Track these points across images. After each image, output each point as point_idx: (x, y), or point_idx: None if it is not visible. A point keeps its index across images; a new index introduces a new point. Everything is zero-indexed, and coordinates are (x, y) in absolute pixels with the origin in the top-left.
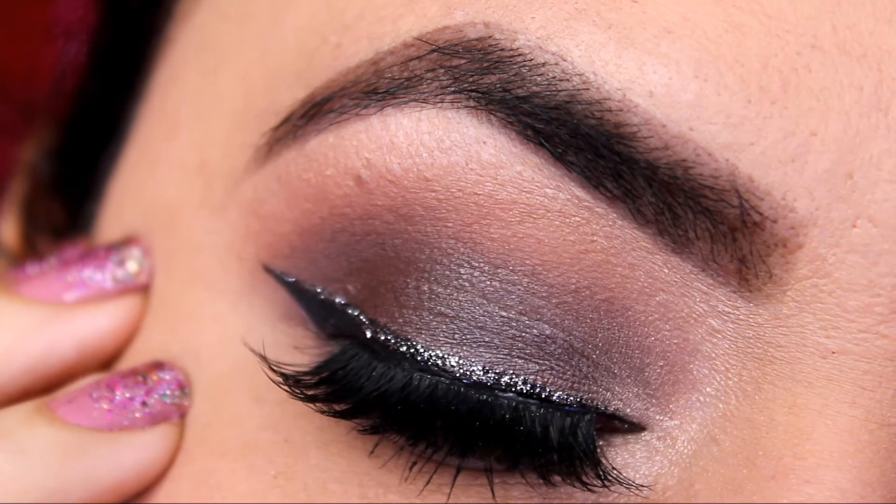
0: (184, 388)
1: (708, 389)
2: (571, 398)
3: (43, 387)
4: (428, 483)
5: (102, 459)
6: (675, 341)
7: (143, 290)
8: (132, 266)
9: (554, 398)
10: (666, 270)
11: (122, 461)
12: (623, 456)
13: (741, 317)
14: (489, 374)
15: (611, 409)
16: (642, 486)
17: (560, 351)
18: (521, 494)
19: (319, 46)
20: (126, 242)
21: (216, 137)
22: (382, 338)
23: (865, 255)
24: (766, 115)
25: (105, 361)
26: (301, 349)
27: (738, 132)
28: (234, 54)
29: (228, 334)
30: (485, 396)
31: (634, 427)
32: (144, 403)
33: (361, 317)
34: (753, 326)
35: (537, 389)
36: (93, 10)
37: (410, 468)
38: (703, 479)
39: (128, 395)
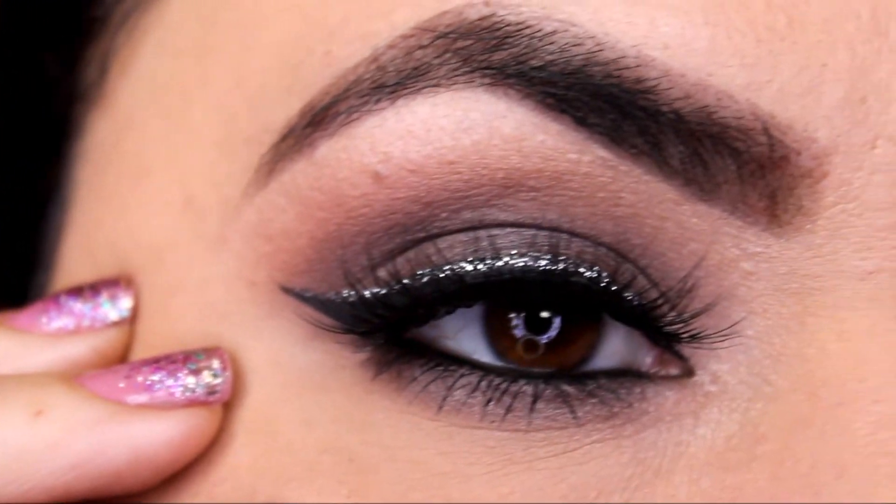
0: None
1: (749, 332)
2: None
3: (87, 488)
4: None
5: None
6: (710, 288)
7: (214, 405)
8: (207, 377)
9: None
10: (695, 220)
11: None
12: (678, 406)
13: (773, 255)
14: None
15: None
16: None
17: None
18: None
19: (305, 58)
20: (207, 352)
21: (199, 171)
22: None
23: (889, 174)
24: (778, 52)
25: (159, 475)
26: (343, 365)
27: (755, 72)
28: (202, 88)
29: (256, 364)
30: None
31: (685, 370)
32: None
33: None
34: (787, 262)
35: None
36: None
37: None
38: (767, 421)
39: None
